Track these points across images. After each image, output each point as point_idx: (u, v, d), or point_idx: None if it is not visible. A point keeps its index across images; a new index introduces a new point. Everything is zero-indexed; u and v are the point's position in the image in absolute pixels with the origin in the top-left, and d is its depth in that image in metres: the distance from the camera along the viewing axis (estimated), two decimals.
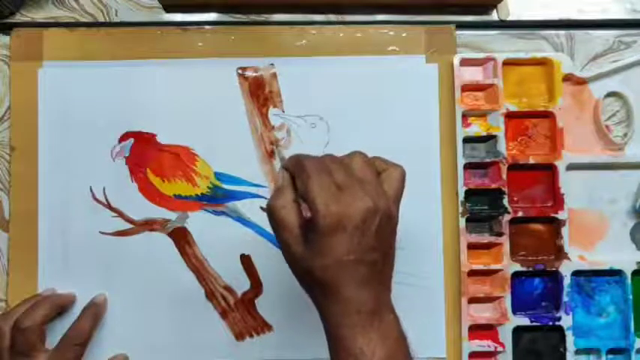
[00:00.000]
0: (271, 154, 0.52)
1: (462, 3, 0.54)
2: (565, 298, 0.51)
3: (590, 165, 0.52)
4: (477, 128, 0.52)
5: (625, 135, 0.53)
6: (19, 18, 0.53)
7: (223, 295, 0.51)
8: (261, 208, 0.51)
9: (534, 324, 0.51)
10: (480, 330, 0.51)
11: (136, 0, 0.54)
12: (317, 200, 0.34)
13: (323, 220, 0.33)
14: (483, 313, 0.52)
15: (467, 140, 0.52)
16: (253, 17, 0.54)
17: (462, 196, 0.51)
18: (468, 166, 0.52)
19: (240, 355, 0.51)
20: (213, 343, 0.51)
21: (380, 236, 0.35)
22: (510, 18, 0.54)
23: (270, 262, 0.51)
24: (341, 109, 0.52)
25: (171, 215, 0.51)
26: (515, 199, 0.53)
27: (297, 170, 0.36)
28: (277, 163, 0.51)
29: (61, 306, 0.49)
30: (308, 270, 0.35)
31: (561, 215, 0.51)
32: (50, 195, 0.51)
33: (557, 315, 0.51)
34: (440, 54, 0.52)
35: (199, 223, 0.51)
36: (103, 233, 0.51)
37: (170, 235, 0.51)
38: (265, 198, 0.51)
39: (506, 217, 0.51)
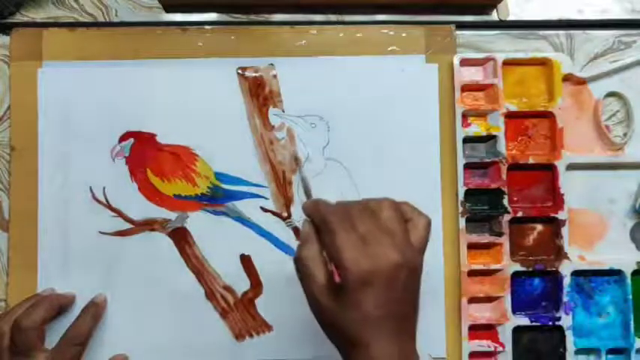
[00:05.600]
0: (268, 155, 0.52)
1: (461, 3, 0.54)
2: (565, 298, 0.51)
3: (590, 165, 0.52)
4: (476, 128, 0.52)
5: (625, 135, 0.53)
6: (19, 18, 0.53)
7: (223, 295, 0.51)
8: (262, 208, 0.51)
9: (534, 324, 0.51)
10: (479, 330, 0.51)
11: (136, 0, 0.54)
12: (344, 258, 0.33)
13: (351, 276, 0.33)
14: (483, 313, 0.52)
15: (467, 140, 0.52)
16: (253, 17, 0.54)
17: (462, 196, 0.51)
18: (467, 166, 0.52)
19: (240, 355, 0.51)
20: (213, 343, 0.51)
21: (407, 289, 0.35)
22: (510, 18, 0.54)
23: (270, 262, 0.51)
24: (341, 109, 0.52)
25: (171, 215, 0.51)
26: (515, 199, 0.53)
27: (321, 225, 0.36)
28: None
29: (60, 306, 0.49)
30: (335, 322, 0.35)
31: (561, 215, 0.51)
32: (50, 195, 0.51)
33: (557, 315, 0.51)
34: (440, 54, 0.52)
35: (199, 223, 0.51)
36: (103, 233, 0.51)
37: (170, 235, 0.51)
38: (265, 198, 0.51)
39: (506, 217, 0.51)
